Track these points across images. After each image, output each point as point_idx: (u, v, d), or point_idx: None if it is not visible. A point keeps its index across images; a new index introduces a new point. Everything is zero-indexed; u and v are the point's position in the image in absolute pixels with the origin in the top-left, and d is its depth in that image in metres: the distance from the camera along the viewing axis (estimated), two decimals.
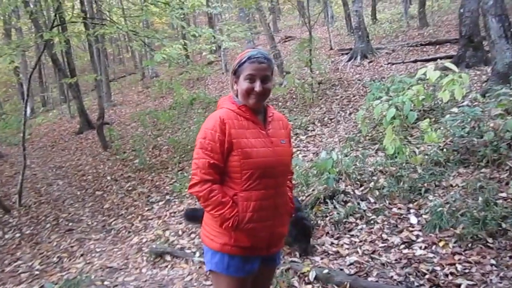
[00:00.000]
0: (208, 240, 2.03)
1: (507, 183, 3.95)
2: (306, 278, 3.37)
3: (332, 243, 3.88)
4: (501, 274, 3.00)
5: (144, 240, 5.26)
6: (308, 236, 3.64)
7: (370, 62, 11.69)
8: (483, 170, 4.29)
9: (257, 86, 1.97)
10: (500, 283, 2.93)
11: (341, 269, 3.43)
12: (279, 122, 2.15)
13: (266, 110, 2.13)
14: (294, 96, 10.27)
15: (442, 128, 5.27)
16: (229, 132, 1.93)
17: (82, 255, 5.39)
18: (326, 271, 3.32)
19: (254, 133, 1.99)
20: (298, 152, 6.60)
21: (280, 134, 2.10)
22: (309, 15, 10.99)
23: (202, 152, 1.95)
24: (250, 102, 2.01)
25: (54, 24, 8.84)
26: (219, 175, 1.97)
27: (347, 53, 13.17)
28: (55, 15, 8.90)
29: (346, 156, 5.52)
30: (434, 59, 9.64)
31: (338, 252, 3.73)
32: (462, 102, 5.90)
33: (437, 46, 11.65)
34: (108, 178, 8.79)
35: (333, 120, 7.75)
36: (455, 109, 5.26)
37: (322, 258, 3.66)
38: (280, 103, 10.08)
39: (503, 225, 3.40)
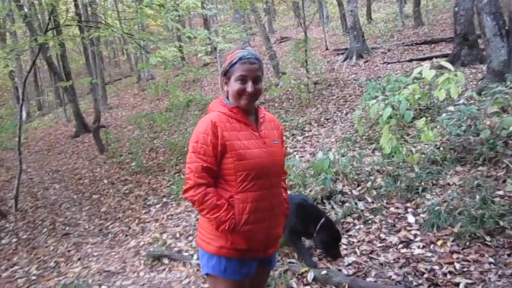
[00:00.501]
0: (204, 243, 2.01)
1: (504, 181, 3.95)
2: (304, 279, 3.36)
3: None
4: (500, 272, 2.99)
5: (141, 244, 5.23)
6: (339, 241, 3.61)
7: (366, 61, 11.70)
8: (480, 168, 4.29)
9: (249, 87, 1.96)
10: (499, 281, 2.92)
11: (340, 270, 3.41)
12: (270, 123, 2.15)
13: (257, 111, 2.12)
14: (290, 97, 10.27)
15: (438, 126, 5.27)
16: (222, 135, 1.92)
17: (79, 259, 5.35)
18: (324, 272, 3.31)
19: (246, 134, 1.99)
20: (295, 153, 6.59)
21: (272, 135, 2.10)
22: (304, 15, 10.99)
23: (195, 156, 1.94)
24: (241, 103, 2.00)
25: (48, 27, 8.81)
26: (213, 178, 1.96)
27: (342, 53, 13.18)
28: (49, 19, 8.87)
29: (343, 156, 5.52)
30: (430, 58, 9.66)
31: None
32: (458, 100, 5.91)
33: (433, 45, 11.68)
34: (105, 181, 8.76)
35: (329, 120, 7.74)
36: (451, 108, 5.27)
37: (320, 259, 3.64)
38: (276, 104, 10.07)
39: (501, 223, 3.39)
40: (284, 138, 7.04)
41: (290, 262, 3.64)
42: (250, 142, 1.98)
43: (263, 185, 1.97)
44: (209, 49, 12.47)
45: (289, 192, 4.64)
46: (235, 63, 1.97)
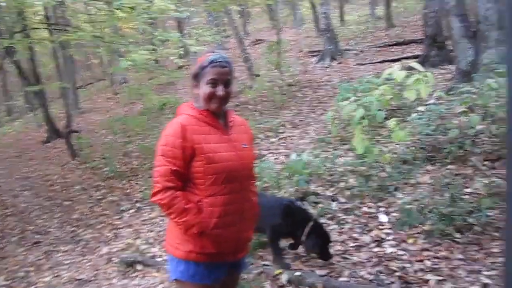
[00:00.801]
0: (172, 248, 1.98)
1: (471, 179, 4.04)
2: (278, 281, 3.35)
3: None
4: (469, 268, 3.05)
5: (114, 250, 5.14)
6: (329, 242, 3.56)
7: (339, 63, 11.81)
8: (449, 166, 4.37)
9: (220, 91, 1.95)
10: (468, 277, 2.98)
11: (313, 271, 3.42)
12: (240, 127, 2.14)
13: (227, 114, 2.10)
14: (264, 99, 10.27)
15: (409, 126, 5.35)
16: (191, 138, 1.90)
17: (50, 268, 5.22)
18: (298, 273, 3.31)
19: (216, 138, 1.97)
20: (269, 155, 6.59)
21: (242, 138, 2.09)
22: (277, 18, 11.02)
23: (163, 159, 1.91)
24: (212, 107, 1.98)
25: (15, 30, 8.58)
26: (181, 181, 1.93)
27: (316, 55, 13.28)
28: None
29: (317, 157, 5.54)
30: (401, 59, 9.82)
31: None
32: (428, 100, 6.02)
33: (404, 47, 11.87)
34: (77, 187, 8.57)
35: (303, 122, 7.78)
36: (421, 108, 5.35)
37: (294, 261, 3.64)
38: (250, 106, 10.06)
39: (469, 220, 3.46)
40: (259, 140, 7.07)
41: (264, 265, 3.63)
42: (220, 145, 1.97)
43: (233, 189, 1.96)
44: (182, 52, 12.35)
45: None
46: (206, 66, 1.97)
